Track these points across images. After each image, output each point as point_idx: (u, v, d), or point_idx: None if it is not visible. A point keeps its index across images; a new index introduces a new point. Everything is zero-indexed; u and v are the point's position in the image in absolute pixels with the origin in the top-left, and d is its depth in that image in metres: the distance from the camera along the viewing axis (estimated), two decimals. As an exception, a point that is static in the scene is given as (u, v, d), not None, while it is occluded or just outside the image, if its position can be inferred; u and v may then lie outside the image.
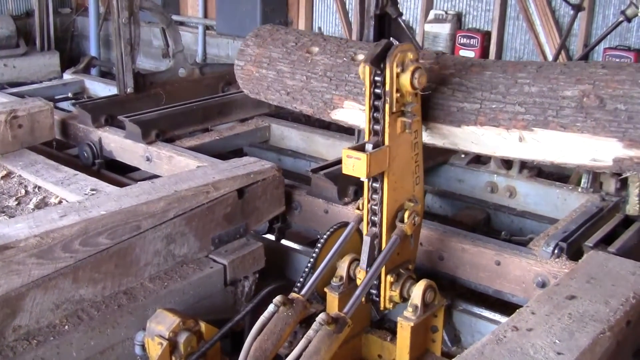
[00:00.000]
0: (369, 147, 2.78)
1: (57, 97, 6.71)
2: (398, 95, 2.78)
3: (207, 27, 9.05)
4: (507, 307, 3.26)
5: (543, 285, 3.05)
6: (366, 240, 2.93)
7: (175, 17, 9.29)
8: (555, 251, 3.10)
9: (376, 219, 2.91)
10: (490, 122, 2.97)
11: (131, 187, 3.51)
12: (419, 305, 2.95)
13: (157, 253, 3.25)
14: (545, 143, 2.87)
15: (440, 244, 3.37)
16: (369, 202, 2.93)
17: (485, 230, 4.16)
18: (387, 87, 2.76)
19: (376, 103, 2.81)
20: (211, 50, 9.08)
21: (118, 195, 3.30)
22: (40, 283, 2.86)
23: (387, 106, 2.77)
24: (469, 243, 3.30)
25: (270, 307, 2.71)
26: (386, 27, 3.78)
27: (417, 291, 2.97)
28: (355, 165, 2.74)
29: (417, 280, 3.02)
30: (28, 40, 9.51)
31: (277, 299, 2.72)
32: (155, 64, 9.40)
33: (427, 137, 3.18)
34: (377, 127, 2.82)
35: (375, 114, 2.82)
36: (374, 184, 2.90)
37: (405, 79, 2.77)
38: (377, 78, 2.78)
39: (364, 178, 2.78)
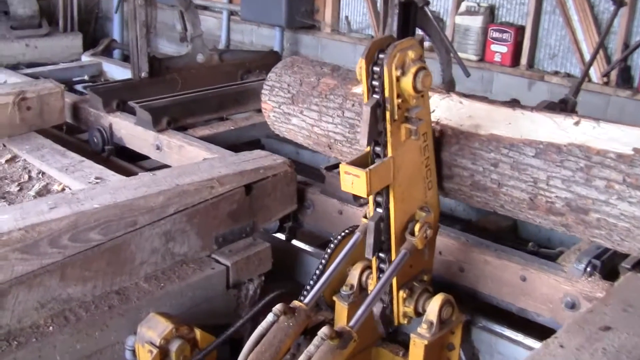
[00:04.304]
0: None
1: (75, 80, 6.57)
2: (399, 100, 2.44)
3: (231, 13, 8.81)
4: (530, 324, 3.02)
5: (572, 306, 2.78)
6: (370, 225, 2.63)
7: (199, 2, 9.06)
8: (588, 269, 2.82)
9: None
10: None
11: (131, 179, 3.31)
12: (435, 321, 2.69)
13: (154, 251, 3.03)
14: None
15: (461, 254, 3.11)
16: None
17: (511, 238, 3.89)
18: (387, 94, 2.42)
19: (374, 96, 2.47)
20: (235, 36, 8.83)
21: (115, 187, 3.09)
22: (24, 280, 2.66)
23: (387, 114, 2.44)
24: (493, 255, 3.04)
25: (269, 317, 2.48)
26: (411, 16, 3.50)
27: (433, 306, 2.71)
28: (355, 182, 2.44)
29: (434, 294, 2.77)
30: (51, 21, 9.35)
31: (277, 307, 2.49)
32: (178, 48, 9.15)
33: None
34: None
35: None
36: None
37: (407, 82, 2.42)
38: (374, 82, 2.44)
39: (365, 197, 2.51)
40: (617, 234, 2.52)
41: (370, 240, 2.64)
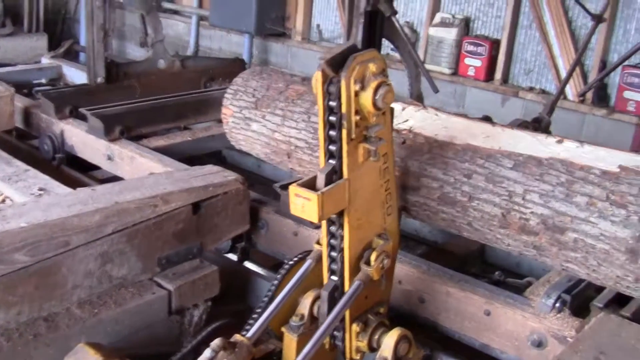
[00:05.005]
0: (321, 182, 2.23)
1: (35, 82, 6.30)
2: (358, 118, 2.21)
3: (201, 18, 8.57)
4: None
5: (539, 344, 2.56)
6: (324, 295, 2.44)
7: (169, 5, 8.85)
8: (557, 305, 2.59)
9: (336, 267, 2.42)
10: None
11: (67, 194, 3.03)
12: (389, 358, 2.47)
13: (89, 274, 2.77)
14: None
15: (422, 284, 2.88)
16: (327, 244, 2.45)
17: (478, 262, 3.69)
18: (344, 109, 2.17)
19: (331, 119, 2.22)
20: (204, 42, 8.60)
21: (48, 203, 2.82)
22: (-64, 305, 2.39)
23: (344, 132, 2.20)
24: (455, 286, 2.80)
25: (207, 353, 2.25)
26: (378, 26, 3.28)
27: (389, 342, 2.48)
28: (306, 206, 2.21)
29: (390, 327, 2.55)
30: (16, 21, 9.07)
31: (216, 342, 2.26)
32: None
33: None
34: (333, 148, 2.25)
35: (331, 132, 2.24)
36: (331, 227, 2.40)
37: (366, 98, 2.18)
38: (331, 103, 2.20)
39: (316, 222, 2.29)
40: (594, 257, 2.29)
41: (323, 309, 2.45)
